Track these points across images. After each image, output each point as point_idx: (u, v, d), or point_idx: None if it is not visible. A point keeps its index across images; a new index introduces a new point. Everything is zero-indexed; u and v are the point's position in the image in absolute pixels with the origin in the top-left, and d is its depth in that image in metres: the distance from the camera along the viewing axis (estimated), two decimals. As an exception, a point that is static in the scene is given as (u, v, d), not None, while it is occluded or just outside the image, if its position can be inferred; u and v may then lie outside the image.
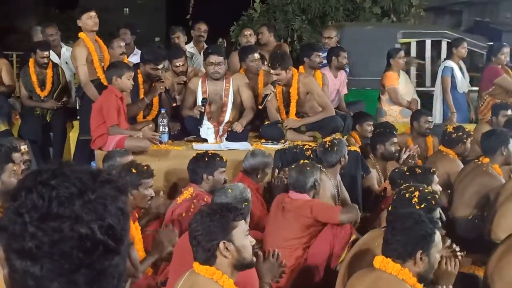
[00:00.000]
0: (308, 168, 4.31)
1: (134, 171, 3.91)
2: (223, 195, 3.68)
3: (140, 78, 5.77)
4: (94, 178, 1.13)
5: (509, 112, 6.60)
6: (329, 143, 4.92)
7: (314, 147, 5.25)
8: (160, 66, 5.73)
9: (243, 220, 2.73)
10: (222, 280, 2.61)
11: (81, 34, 6.07)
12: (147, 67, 5.72)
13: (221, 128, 5.72)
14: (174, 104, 5.85)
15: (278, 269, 3.25)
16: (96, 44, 6.10)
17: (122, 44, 6.68)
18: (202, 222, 2.66)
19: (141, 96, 5.73)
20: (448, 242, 3.34)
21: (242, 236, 2.67)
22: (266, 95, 5.72)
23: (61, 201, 1.08)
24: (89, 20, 6.00)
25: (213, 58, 5.72)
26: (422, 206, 3.26)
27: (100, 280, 1.10)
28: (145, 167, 4.00)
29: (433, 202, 3.31)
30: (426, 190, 3.39)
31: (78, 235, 1.06)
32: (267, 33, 7.49)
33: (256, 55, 6.25)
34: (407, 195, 3.35)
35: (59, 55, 7.38)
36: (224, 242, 2.61)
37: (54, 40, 7.32)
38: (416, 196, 3.31)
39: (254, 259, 2.78)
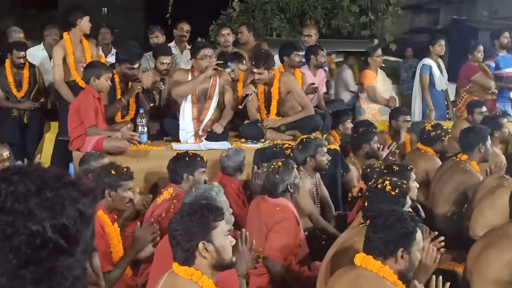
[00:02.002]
0: (276, 176, 4.10)
1: (113, 172, 3.87)
2: (187, 194, 3.64)
3: (117, 78, 5.72)
4: (58, 179, 1.14)
5: (483, 109, 6.67)
6: (299, 141, 4.94)
7: (293, 146, 5.25)
8: (136, 65, 5.69)
9: (223, 221, 2.70)
10: (201, 280, 2.59)
11: (65, 35, 6.03)
12: (122, 67, 5.68)
13: (201, 127, 5.68)
14: (151, 104, 5.80)
15: (250, 256, 3.24)
16: (79, 45, 6.05)
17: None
18: (181, 222, 2.63)
19: (118, 96, 5.69)
20: (433, 234, 3.36)
21: (222, 237, 2.65)
22: (247, 95, 5.71)
23: (17, 197, 1.09)
24: (88, 22, 5.99)
25: (207, 51, 5.66)
26: (397, 191, 3.34)
27: (50, 279, 1.10)
28: (125, 169, 3.96)
29: (404, 186, 3.42)
30: (394, 179, 3.48)
31: (29, 231, 1.07)
32: (247, 32, 7.49)
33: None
34: (379, 186, 3.40)
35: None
36: (203, 243, 2.58)
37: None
38: (388, 184, 3.38)
39: (234, 259, 2.76)
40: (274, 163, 4.21)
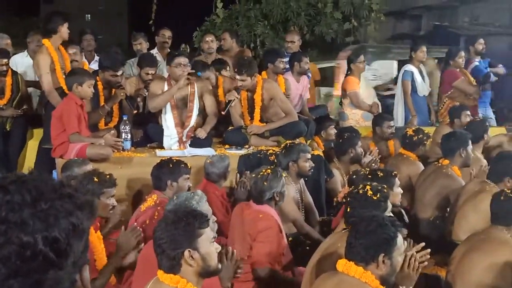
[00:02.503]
0: (265, 183, 4.09)
1: (96, 179, 3.86)
2: (169, 202, 3.64)
3: (100, 85, 5.70)
4: (55, 190, 1.13)
5: (468, 112, 6.73)
6: (282, 146, 4.97)
7: (278, 152, 5.27)
8: (119, 73, 5.68)
9: (208, 227, 2.69)
10: (187, 288, 2.59)
11: (45, 42, 5.96)
12: (106, 74, 5.66)
13: (184, 133, 5.68)
14: (135, 112, 5.79)
15: (234, 267, 3.24)
16: (59, 52, 6.02)
17: (72, 51, 6.58)
18: (166, 230, 2.61)
19: (102, 103, 5.67)
20: (420, 245, 3.36)
21: (207, 244, 2.64)
22: (230, 101, 5.73)
23: (12, 207, 1.09)
24: (67, 29, 5.95)
25: (182, 60, 5.68)
26: (378, 195, 3.36)
27: None
28: (108, 176, 3.95)
29: (385, 190, 3.44)
30: (375, 184, 3.50)
31: (20, 242, 1.07)
32: (230, 39, 7.50)
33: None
34: (360, 191, 3.42)
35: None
36: (189, 250, 2.57)
37: None
38: (369, 189, 3.40)
39: (220, 266, 2.76)
40: (264, 170, 4.20)
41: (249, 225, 4.03)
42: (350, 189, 3.64)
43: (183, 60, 5.68)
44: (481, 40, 8.24)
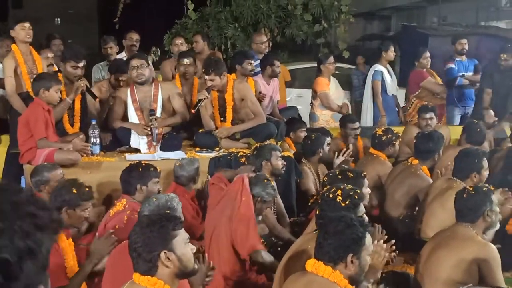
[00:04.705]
0: (265, 181, 4.32)
1: (74, 191, 3.80)
2: (147, 203, 3.65)
3: (62, 79, 5.64)
4: (17, 208, 1.08)
5: (429, 115, 6.75)
6: (253, 148, 4.99)
7: (249, 154, 5.28)
8: (80, 64, 5.61)
9: (182, 229, 2.71)
10: (163, 289, 2.59)
11: (13, 46, 5.95)
12: (67, 66, 5.59)
13: (154, 135, 5.66)
14: (97, 99, 5.74)
15: (207, 271, 3.25)
16: (29, 56, 5.96)
17: (50, 55, 6.53)
18: (141, 234, 2.63)
19: (63, 97, 5.58)
20: (384, 237, 3.41)
21: (182, 245, 2.66)
22: (200, 100, 5.71)
23: None
24: (22, 31, 5.88)
25: (134, 62, 5.65)
26: (347, 202, 3.36)
27: None
28: (87, 189, 3.91)
29: (356, 196, 3.43)
30: (347, 188, 3.50)
31: None
32: (202, 42, 7.50)
33: (186, 60, 6.28)
34: (330, 195, 3.43)
35: None
36: (165, 252, 2.59)
37: None
38: (339, 194, 3.40)
39: (196, 266, 2.76)
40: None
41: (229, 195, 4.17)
42: (323, 190, 3.66)
43: (135, 62, 5.64)
44: (462, 41, 8.34)
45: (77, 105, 5.70)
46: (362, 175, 4.31)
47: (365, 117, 7.87)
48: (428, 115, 6.66)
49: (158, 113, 5.73)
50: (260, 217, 4.41)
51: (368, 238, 2.83)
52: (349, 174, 4.28)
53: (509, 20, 14.28)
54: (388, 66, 7.93)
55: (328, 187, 3.68)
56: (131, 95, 5.73)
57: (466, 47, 8.32)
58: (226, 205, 4.21)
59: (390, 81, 7.85)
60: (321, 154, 5.87)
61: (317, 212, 3.45)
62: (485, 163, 4.60)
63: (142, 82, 5.65)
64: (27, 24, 5.91)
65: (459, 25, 12.48)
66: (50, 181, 4.50)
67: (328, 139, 6.06)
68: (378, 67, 7.83)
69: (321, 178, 5.72)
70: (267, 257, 4.05)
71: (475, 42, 8.48)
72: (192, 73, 6.39)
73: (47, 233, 1.12)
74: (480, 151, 4.74)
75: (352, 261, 2.75)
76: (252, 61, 6.54)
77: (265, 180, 4.32)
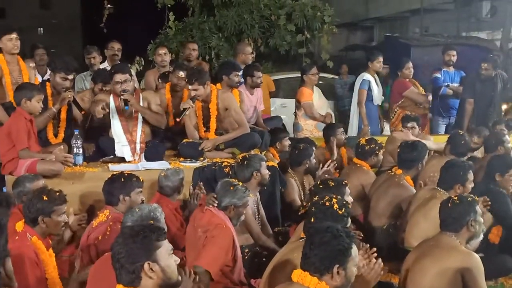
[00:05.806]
0: (231, 188, 4.23)
1: (45, 198, 3.74)
2: (130, 214, 3.62)
3: (49, 91, 5.62)
4: None
5: (411, 124, 6.82)
6: (241, 159, 4.97)
7: (233, 164, 5.27)
8: (70, 77, 5.60)
9: (166, 240, 2.68)
10: (147, 301, 2.56)
11: None
12: (57, 76, 5.56)
13: (137, 146, 5.63)
14: (82, 112, 5.67)
15: (194, 285, 3.22)
16: (16, 66, 5.92)
17: (32, 65, 6.49)
18: (124, 245, 2.60)
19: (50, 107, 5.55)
20: (365, 246, 3.42)
21: (166, 256, 2.64)
22: (185, 109, 5.70)
23: None
24: (9, 42, 5.84)
25: (118, 77, 5.61)
26: (343, 210, 3.45)
27: None
28: (57, 193, 3.85)
29: (349, 206, 3.55)
30: (339, 197, 3.61)
31: None
32: (197, 50, 7.51)
33: (181, 73, 6.31)
34: (326, 203, 3.46)
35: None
36: (148, 263, 2.57)
37: None
38: (335, 202, 3.47)
39: (180, 278, 2.74)
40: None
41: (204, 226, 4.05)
42: (314, 199, 3.66)
43: (119, 77, 5.59)
44: (450, 52, 8.44)
45: (63, 115, 5.67)
46: (343, 183, 4.34)
47: (351, 126, 7.90)
48: (410, 124, 6.74)
49: (140, 121, 5.71)
50: (242, 218, 4.36)
51: (354, 249, 2.83)
52: (330, 183, 4.30)
53: (490, 31, 14.47)
54: (375, 75, 7.98)
55: (317, 196, 3.68)
56: (114, 102, 5.71)
57: (454, 58, 8.42)
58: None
59: (377, 90, 7.89)
60: (307, 165, 5.87)
61: (312, 220, 3.44)
62: (470, 175, 4.62)
63: (125, 97, 5.62)
64: (14, 35, 5.87)
65: (441, 35, 12.60)
66: (28, 195, 4.44)
67: (314, 149, 6.07)
68: (366, 76, 7.84)
69: (306, 189, 5.74)
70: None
71: (457, 52, 8.55)
72: (183, 87, 6.36)
73: (3, 208, 1.16)
74: (466, 164, 4.76)
75: (338, 272, 2.75)
76: (239, 73, 6.55)
77: (232, 187, 4.25)
